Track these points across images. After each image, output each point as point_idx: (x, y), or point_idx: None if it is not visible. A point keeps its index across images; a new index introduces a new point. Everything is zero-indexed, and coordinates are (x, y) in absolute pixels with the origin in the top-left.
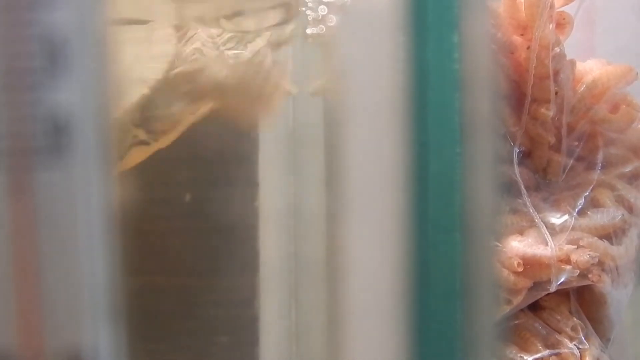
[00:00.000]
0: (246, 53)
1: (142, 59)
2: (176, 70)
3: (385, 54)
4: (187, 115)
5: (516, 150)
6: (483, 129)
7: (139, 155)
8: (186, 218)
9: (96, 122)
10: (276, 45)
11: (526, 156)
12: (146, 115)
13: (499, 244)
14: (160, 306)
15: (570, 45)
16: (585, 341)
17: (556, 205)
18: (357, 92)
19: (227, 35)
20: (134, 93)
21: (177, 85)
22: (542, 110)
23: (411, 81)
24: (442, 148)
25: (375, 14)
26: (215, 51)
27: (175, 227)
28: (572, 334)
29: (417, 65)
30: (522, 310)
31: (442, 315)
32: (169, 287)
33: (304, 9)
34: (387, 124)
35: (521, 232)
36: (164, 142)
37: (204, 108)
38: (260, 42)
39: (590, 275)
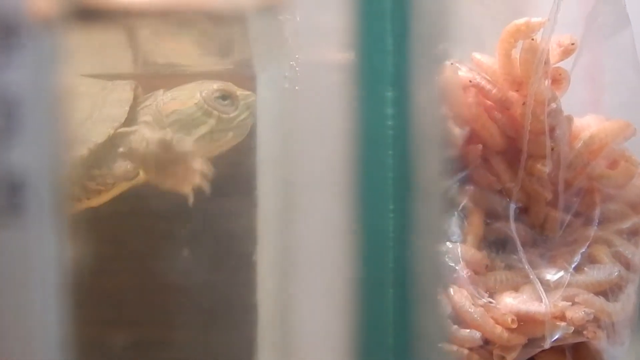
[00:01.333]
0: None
1: (92, 119)
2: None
3: (331, 112)
4: (122, 180)
5: (513, 206)
6: (423, 185)
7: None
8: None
9: (50, 181)
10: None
11: (523, 212)
12: (82, 173)
13: (492, 300)
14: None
15: (577, 102)
16: None
17: (552, 262)
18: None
19: (174, 118)
20: (75, 151)
21: (114, 146)
22: (538, 166)
23: (351, 138)
24: (376, 205)
25: (322, 72)
26: (160, 129)
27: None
28: None
29: (356, 122)
30: None
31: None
32: (122, 338)
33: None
34: (330, 181)
35: (516, 289)
36: (96, 201)
37: (140, 177)
38: (203, 129)
39: (585, 332)
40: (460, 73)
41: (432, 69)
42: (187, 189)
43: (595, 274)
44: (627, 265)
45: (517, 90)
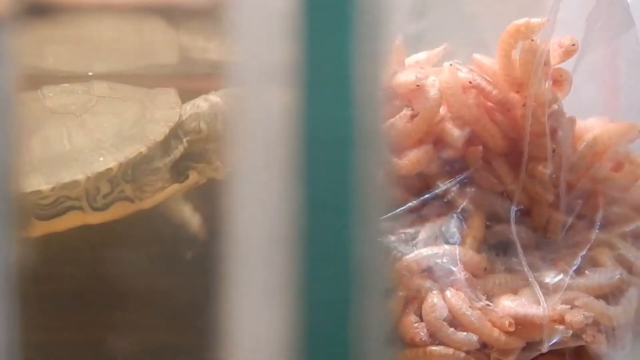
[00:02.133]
0: None
1: (145, 119)
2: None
3: (278, 109)
4: (174, 182)
5: (514, 208)
6: (371, 184)
7: (120, 210)
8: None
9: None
10: None
11: (526, 214)
12: (138, 172)
13: (489, 303)
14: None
15: (581, 103)
16: None
17: (554, 265)
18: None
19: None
20: (132, 149)
21: (169, 148)
22: (540, 168)
23: (301, 138)
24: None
25: (267, 69)
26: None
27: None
28: None
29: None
30: None
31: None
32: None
33: None
34: (278, 181)
35: (515, 292)
36: (148, 203)
37: (191, 180)
38: None
39: (584, 336)
40: (460, 74)
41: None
42: None
43: (596, 277)
44: (629, 268)
45: (517, 92)
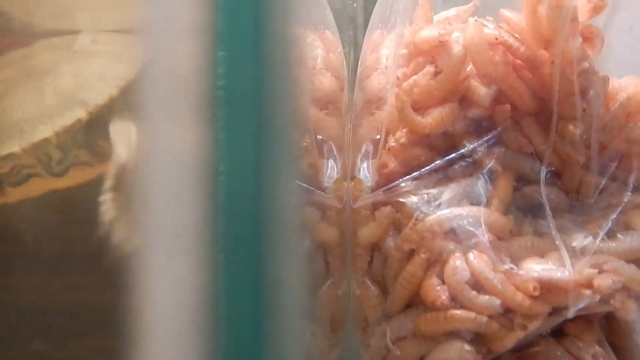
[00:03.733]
0: None
1: (84, 76)
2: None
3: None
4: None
5: (544, 169)
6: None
7: (81, 174)
8: None
9: None
10: None
11: (556, 176)
12: (90, 137)
13: (513, 266)
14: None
15: (616, 61)
16: None
17: (584, 227)
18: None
19: None
20: (71, 116)
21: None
22: (570, 127)
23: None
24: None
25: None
26: None
27: None
28: None
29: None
30: (543, 336)
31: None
32: None
33: None
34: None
35: (542, 255)
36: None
37: None
38: None
39: (612, 301)
40: (486, 30)
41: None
42: None
43: (628, 241)
44: None
45: (546, 49)
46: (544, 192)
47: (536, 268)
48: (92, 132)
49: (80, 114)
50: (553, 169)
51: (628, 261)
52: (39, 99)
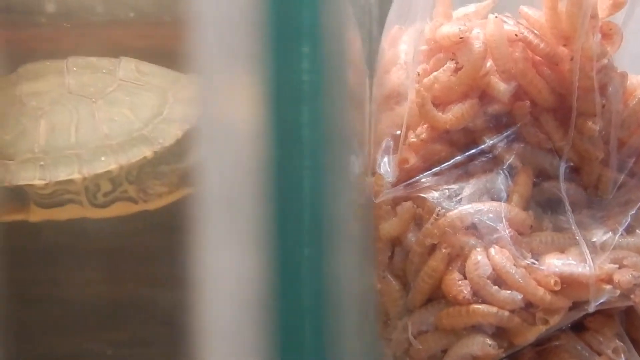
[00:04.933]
0: None
1: (158, 118)
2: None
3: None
4: (183, 187)
5: (563, 165)
6: (336, 140)
7: (122, 209)
8: None
9: None
10: None
11: (575, 172)
12: (143, 175)
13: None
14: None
15: (633, 58)
16: None
17: (603, 223)
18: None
19: None
20: (137, 152)
21: (181, 148)
22: (589, 124)
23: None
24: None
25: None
26: None
27: None
28: (613, 356)
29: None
30: (563, 330)
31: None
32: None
33: None
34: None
35: (562, 251)
36: (154, 204)
37: None
38: None
39: (632, 296)
40: (506, 26)
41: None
42: None
43: None
44: None
45: (565, 45)
46: (563, 188)
47: (557, 263)
48: (147, 170)
49: (147, 152)
50: (572, 164)
51: None
52: (91, 124)
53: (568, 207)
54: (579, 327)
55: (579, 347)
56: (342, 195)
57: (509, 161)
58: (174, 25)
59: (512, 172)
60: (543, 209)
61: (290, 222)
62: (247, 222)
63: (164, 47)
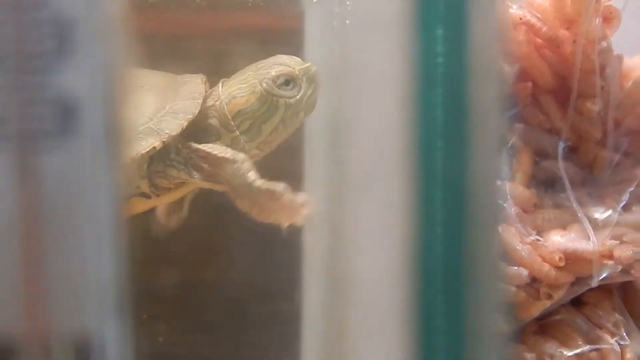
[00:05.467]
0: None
1: (164, 111)
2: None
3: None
4: (196, 180)
5: (562, 144)
6: (484, 122)
7: (137, 206)
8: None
9: (105, 105)
10: None
11: (573, 151)
12: (153, 168)
13: (539, 238)
14: (177, 297)
15: (623, 42)
16: (626, 337)
17: (601, 201)
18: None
19: (241, 118)
20: (145, 143)
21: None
22: (588, 105)
23: (412, 76)
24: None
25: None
26: (229, 133)
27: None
28: (613, 330)
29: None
30: (563, 305)
31: (446, 305)
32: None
33: None
34: (390, 116)
35: (564, 227)
36: (165, 199)
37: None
38: (275, 121)
39: (632, 271)
40: (510, 10)
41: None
42: (284, 223)
43: None
44: None
45: (567, 29)
46: (562, 167)
47: (561, 240)
48: (157, 163)
49: (155, 142)
50: (570, 144)
51: None
52: None
53: (568, 185)
54: (577, 302)
55: (579, 321)
56: (488, 179)
57: (511, 141)
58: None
59: (514, 152)
60: (543, 186)
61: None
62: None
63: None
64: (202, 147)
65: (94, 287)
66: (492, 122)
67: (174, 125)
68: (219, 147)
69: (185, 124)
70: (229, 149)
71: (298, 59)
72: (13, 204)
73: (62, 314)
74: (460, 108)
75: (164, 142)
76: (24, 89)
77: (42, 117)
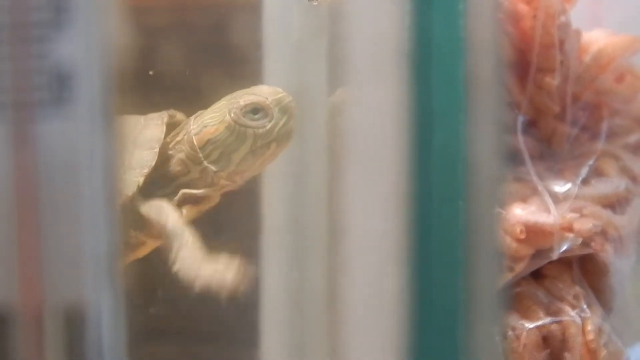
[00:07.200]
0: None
1: (123, 167)
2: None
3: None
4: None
5: (521, 118)
6: (487, 97)
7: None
8: None
9: (99, 74)
10: None
11: (531, 125)
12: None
13: (501, 211)
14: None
15: (577, 16)
16: (587, 309)
17: (560, 174)
18: (360, 57)
19: (210, 148)
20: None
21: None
22: (547, 79)
23: (416, 48)
24: (446, 115)
25: None
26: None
27: None
28: (574, 302)
29: (421, 33)
30: (524, 278)
31: (444, 283)
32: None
33: None
34: (390, 91)
35: (524, 200)
36: (135, 254)
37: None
38: (243, 151)
39: (592, 244)
40: None
41: None
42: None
43: (602, 187)
44: (634, 178)
45: (527, 3)
46: (522, 140)
47: (522, 212)
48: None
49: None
50: (528, 118)
51: (603, 206)
52: None
53: (528, 159)
54: (538, 275)
55: (540, 293)
56: (487, 153)
57: None
58: None
59: None
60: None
61: (438, 178)
62: (390, 175)
63: None
64: (146, 212)
65: (89, 258)
66: (492, 95)
67: (130, 184)
68: (165, 212)
69: (141, 180)
70: (170, 218)
71: (278, 89)
72: (8, 172)
73: (57, 285)
74: (457, 80)
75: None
76: (19, 58)
77: (38, 86)
